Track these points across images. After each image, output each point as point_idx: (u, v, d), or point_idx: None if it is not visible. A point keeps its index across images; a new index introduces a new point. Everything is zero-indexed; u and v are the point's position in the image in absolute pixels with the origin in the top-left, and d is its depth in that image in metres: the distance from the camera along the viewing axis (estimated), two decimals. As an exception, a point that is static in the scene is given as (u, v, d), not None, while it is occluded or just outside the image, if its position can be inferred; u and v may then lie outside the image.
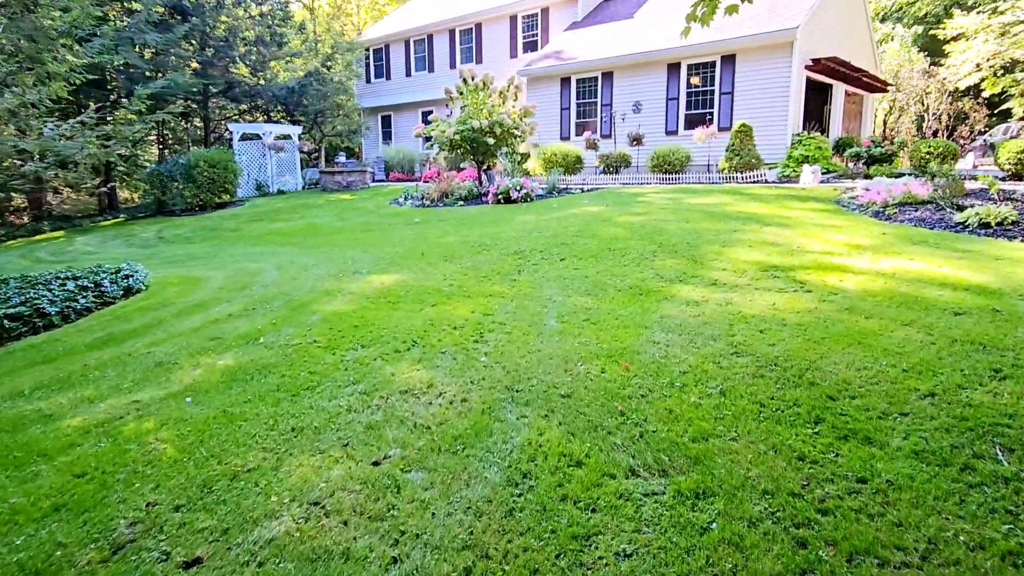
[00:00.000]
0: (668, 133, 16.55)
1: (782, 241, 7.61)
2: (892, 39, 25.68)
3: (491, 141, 13.91)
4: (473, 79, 14.28)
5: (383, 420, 3.51)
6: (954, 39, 23.70)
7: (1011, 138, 20.96)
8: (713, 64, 15.62)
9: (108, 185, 22.52)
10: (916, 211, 8.66)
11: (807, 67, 14.74)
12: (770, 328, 4.71)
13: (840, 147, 15.32)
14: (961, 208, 8.37)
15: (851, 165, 13.43)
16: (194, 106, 25.36)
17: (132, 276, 8.06)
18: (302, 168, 25.00)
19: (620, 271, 6.82)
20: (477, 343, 4.81)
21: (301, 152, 23.91)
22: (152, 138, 26.62)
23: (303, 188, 22.59)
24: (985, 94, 25.59)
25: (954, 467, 2.76)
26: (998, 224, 7.52)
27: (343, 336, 5.19)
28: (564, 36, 20.32)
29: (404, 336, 5.08)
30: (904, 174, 12.50)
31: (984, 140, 23.15)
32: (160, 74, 20.19)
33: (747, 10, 15.64)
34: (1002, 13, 23.40)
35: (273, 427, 3.53)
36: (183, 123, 25.03)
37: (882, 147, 12.95)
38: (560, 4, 21.19)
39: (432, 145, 14.71)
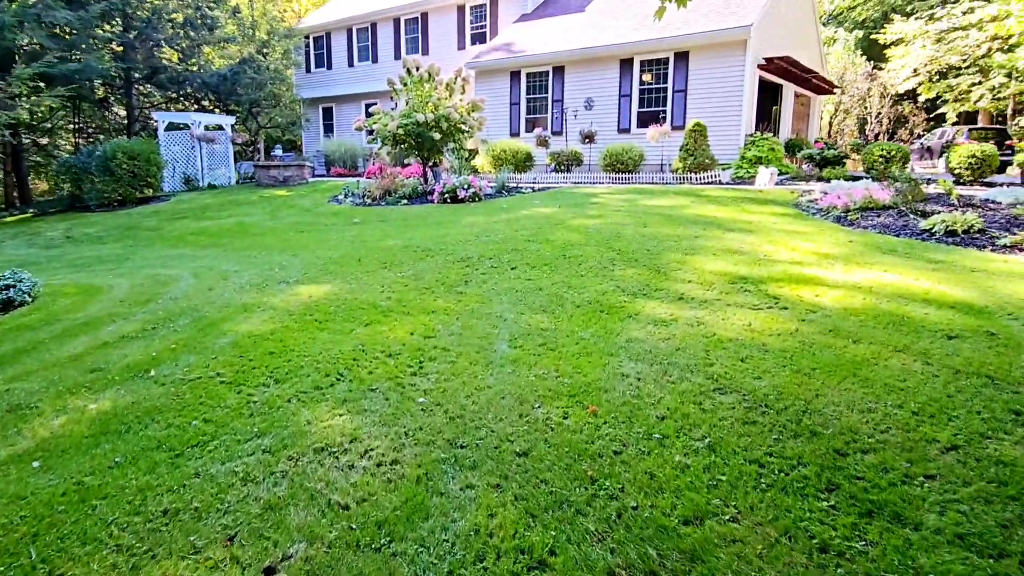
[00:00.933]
0: (620, 131, 16.09)
1: (747, 249, 7.13)
2: (835, 42, 26.11)
3: (437, 136, 13.08)
4: (418, 69, 13.42)
5: (288, 496, 2.72)
6: (894, 44, 24.22)
7: (947, 142, 21.50)
8: (666, 61, 15.22)
9: (15, 175, 20.50)
10: (879, 216, 8.36)
11: (760, 66, 14.52)
12: (751, 356, 4.13)
13: (791, 148, 15.19)
14: (924, 214, 8.10)
15: (805, 167, 13.27)
16: (116, 93, 23.48)
17: (14, 286, 6.90)
18: (236, 161, 23.47)
19: (578, 283, 6.17)
20: (415, 376, 4.05)
21: (235, 144, 22.40)
22: (71, 127, 24.54)
23: (237, 183, 21.15)
24: (921, 98, 26.32)
25: (1012, 559, 2.19)
26: (964, 232, 7.25)
27: (254, 367, 4.34)
28: (513, 28, 19.62)
29: (329, 367, 4.27)
30: (858, 177, 12.37)
31: (921, 144, 23.74)
32: (75, 56, 18.41)
33: (700, 7, 15.33)
34: (939, 20, 24.03)
35: (140, 508, 2.68)
36: (101, 111, 23.04)
37: (835, 149, 12.82)
38: (509, -5, 20.46)
39: (374, 139, 13.77)
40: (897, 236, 7.54)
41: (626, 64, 15.80)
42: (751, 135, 14.18)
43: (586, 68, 16.50)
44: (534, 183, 14.49)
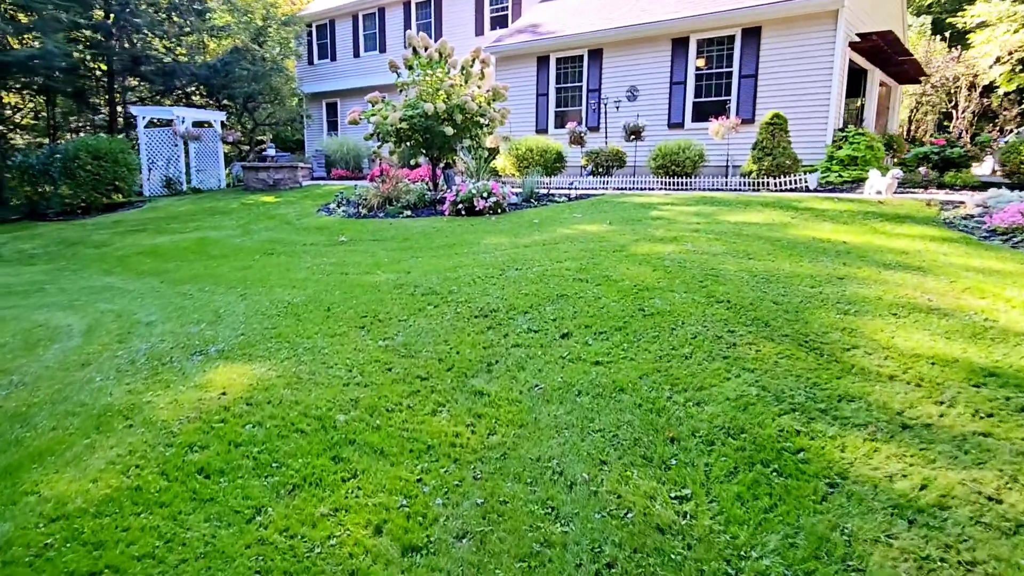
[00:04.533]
0: (671, 126, 13.33)
1: (939, 303, 4.39)
2: (910, 27, 23.08)
3: (449, 131, 10.43)
4: (426, 49, 10.80)
5: None
6: (979, 27, 21.14)
7: (1042, 140, 18.44)
8: (731, 40, 12.43)
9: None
10: (1111, 247, 5.57)
11: (852, 44, 11.68)
12: None
13: (888, 146, 12.33)
14: None
15: (922, 169, 10.46)
16: (97, 86, 21.18)
17: None
18: (230, 162, 21.09)
19: (685, 374, 3.49)
20: None
21: (226, 142, 19.93)
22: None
23: (229, 185, 18.72)
24: (1000, 91, 23.16)
25: None
26: None
27: None
28: (540, 8, 16.93)
29: None
30: (994, 184, 9.54)
31: (1006, 142, 20.63)
32: (39, 41, 16.07)
33: (772, -27, 12.52)
34: (1025, 1, 20.92)
35: None
36: (79, 105, 20.74)
37: (959, 147, 10.01)
38: (535, -29, 17.79)
39: (372, 135, 11.14)
40: None
41: (679, 45, 13.03)
42: (842, 130, 11.35)
43: (629, 51, 13.76)
44: (569, 189, 11.80)
